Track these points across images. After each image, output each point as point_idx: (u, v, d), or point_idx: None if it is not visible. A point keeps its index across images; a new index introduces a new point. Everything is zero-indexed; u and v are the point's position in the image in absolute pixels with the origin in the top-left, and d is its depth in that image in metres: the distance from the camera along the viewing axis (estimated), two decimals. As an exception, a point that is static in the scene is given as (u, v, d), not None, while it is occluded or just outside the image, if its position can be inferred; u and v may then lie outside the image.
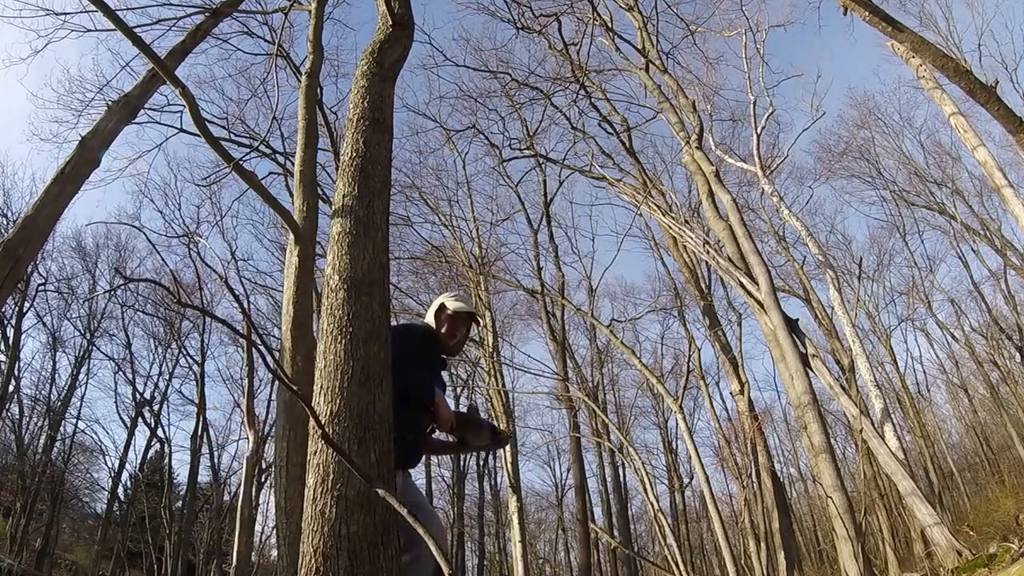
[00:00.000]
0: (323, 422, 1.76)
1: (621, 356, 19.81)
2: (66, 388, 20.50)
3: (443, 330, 2.40)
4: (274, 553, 20.06)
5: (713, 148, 11.66)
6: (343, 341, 2.00)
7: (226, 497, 21.85)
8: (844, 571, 6.66)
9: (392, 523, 1.76)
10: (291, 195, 5.81)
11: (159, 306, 19.73)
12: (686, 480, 21.72)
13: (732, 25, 12.64)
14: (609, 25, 12.71)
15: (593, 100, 13.44)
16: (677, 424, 16.27)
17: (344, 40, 41.33)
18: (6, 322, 17.92)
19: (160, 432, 22.08)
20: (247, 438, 9.29)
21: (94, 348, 20.80)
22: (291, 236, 4.94)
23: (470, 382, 17.51)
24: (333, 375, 1.94)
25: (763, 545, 9.16)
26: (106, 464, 22.53)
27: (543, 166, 15.58)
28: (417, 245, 16.14)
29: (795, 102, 41.46)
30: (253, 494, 16.47)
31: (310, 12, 6.91)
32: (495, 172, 16.50)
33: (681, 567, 8.71)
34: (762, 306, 8.32)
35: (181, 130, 10.39)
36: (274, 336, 16.03)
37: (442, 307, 2.44)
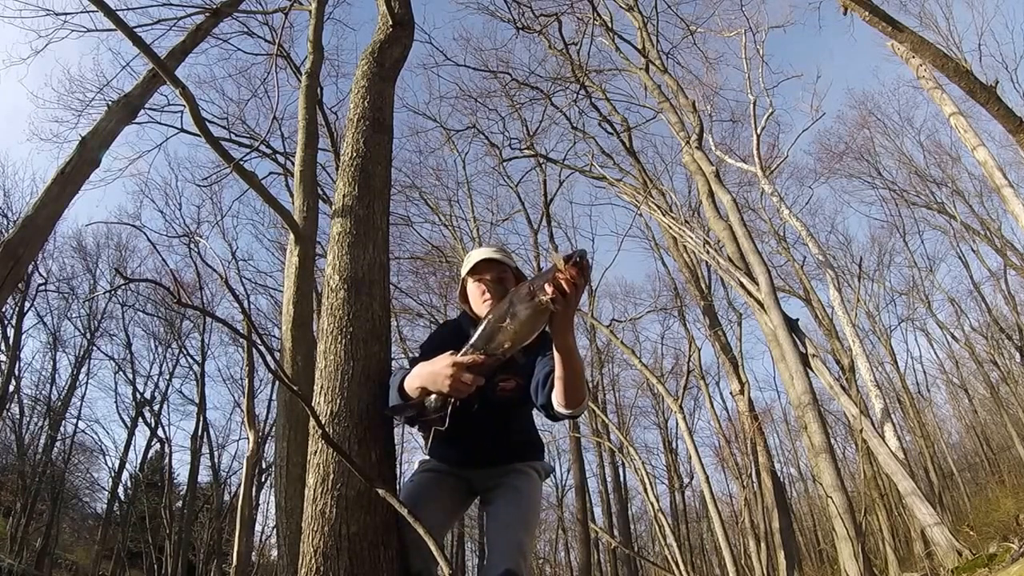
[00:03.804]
0: (323, 422, 1.76)
1: (621, 356, 19.82)
2: (66, 388, 20.51)
3: (472, 300, 2.04)
4: (274, 553, 20.10)
5: (713, 148, 11.68)
6: (343, 341, 2.00)
7: (226, 497, 21.86)
8: (844, 571, 6.66)
9: (392, 523, 1.76)
10: (291, 195, 5.81)
11: (159, 306, 19.77)
12: (686, 480, 21.70)
13: (732, 25, 12.68)
14: (609, 25, 12.72)
15: (593, 100, 13.46)
16: (677, 424, 16.27)
17: (344, 40, 41.17)
18: (6, 322, 17.92)
19: (160, 432, 22.11)
20: (247, 438, 9.28)
21: (94, 348, 20.82)
22: (291, 236, 4.94)
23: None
24: (333, 375, 1.93)
25: (763, 545, 9.17)
26: (106, 464, 22.60)
27: (543, 166, 15.59)
28: (417, 245, 16.20)
29: (795, 102, 41.34)
30: (253, 494, 16.47)
31: (310, 12, 6.91)
32: (495, 172, 16.54)
33: (681, 567, 8.70)
34: (762, 306, 8.33)
35: (181, 130, 10.45)
36: (274, 336, 16.03)
37: (462, 285, 2.09)
